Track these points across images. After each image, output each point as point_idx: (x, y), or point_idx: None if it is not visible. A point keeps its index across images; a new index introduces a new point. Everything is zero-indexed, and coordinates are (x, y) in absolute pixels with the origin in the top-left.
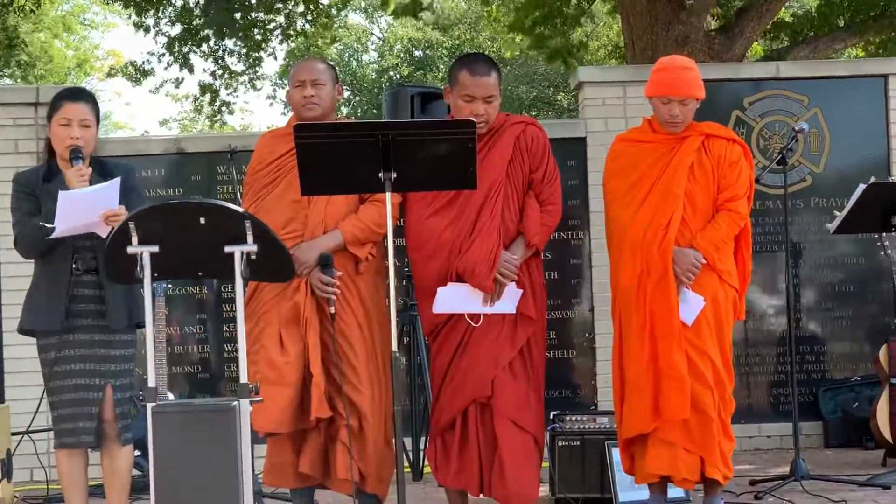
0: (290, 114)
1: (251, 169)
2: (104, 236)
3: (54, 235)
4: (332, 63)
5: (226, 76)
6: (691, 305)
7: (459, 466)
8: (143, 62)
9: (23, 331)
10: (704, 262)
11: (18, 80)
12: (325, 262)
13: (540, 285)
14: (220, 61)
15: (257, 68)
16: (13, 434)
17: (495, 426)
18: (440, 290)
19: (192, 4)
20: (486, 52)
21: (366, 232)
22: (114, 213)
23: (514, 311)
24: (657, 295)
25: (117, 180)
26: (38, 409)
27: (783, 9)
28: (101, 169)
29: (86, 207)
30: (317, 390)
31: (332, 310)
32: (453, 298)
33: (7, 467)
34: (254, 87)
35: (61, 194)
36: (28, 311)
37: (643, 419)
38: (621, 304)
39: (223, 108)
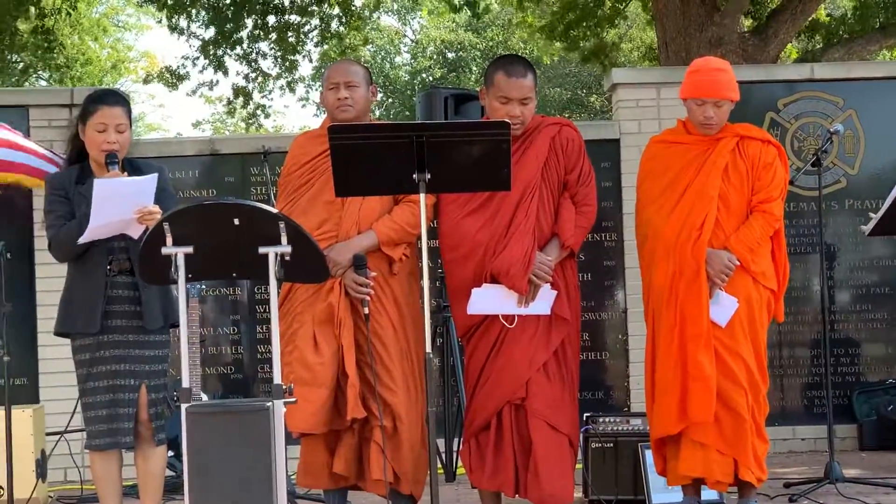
0: (324, 115)
1: (285, 170)
2: (136, 237)
3: (85, 237)
4: (365, 65)
5: (259, 79)
6: (725, 307)
7: (494, 468)
8: (178, 66)
9: (59, 333)
10: (738, 263)
11: (55, 83)
12: (359, 263)
13: (574, 287)
14: (253, 64)
15: (294, 72)
16: (48, 434)
17: (530, 427)
18: (474, 291)
19: (224, 8)
20: (520, 54)
21: (399, 233)
22: (148, 210)
23: (549, 313)
24: (688, 296)
25: (154, 175)
26: (74, 409)
27: (819, 9)
28: (133, 171)
29: (121, 198)
30: (352, 391)
31: (366, 310)
32: (488, 299)
33: (42, 468)
34: (291, 89)
35: (97, 181)
36: (65, 313)
37: (670, 420)
38: (654, 305)
39: (258, 112)
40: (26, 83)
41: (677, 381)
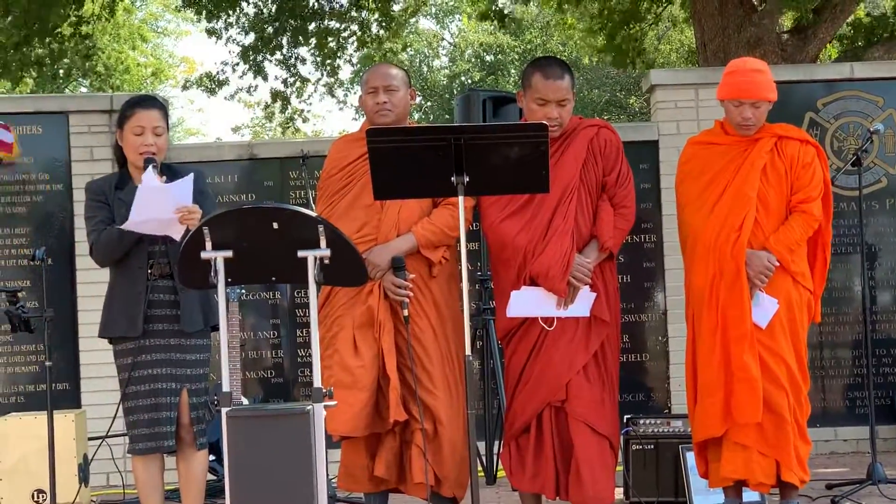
0: (362, 118)
1: (324, 174)
2: (178, 238)
3: (126, 226)
4: (404, 68)
5: (298, 83)
6: (765, 308)
7: (535, 471)
8: (218, 72)
9: (102, 336)
10: (778, 264)
11: (94, 90)
12: (397, 265)
13: (614, 289)
14: (292, 69)
15: (335, 76)
16: (90, 439)
17: (570, 429)
18: (514, 293)
19: (264, 13)
20: (559, 56)
21: (438, 235)
22: (188, 209)
23: (588, 315)
24: (730, 297)
25: (190, 176)
26: (115, 413)
27: (859, 9)
28: (171, 176)
29: (161, 201)
30: (394, 394)
31: (406, 313)
32: (527, 302)
33: (84, 472)
34: (332, 94)
35: (141, 186)
36: (107, 318)
37: (714, 422)
38: (694, 307)
39: (296, 116)
40: (66, 89)
41: (720, 383)
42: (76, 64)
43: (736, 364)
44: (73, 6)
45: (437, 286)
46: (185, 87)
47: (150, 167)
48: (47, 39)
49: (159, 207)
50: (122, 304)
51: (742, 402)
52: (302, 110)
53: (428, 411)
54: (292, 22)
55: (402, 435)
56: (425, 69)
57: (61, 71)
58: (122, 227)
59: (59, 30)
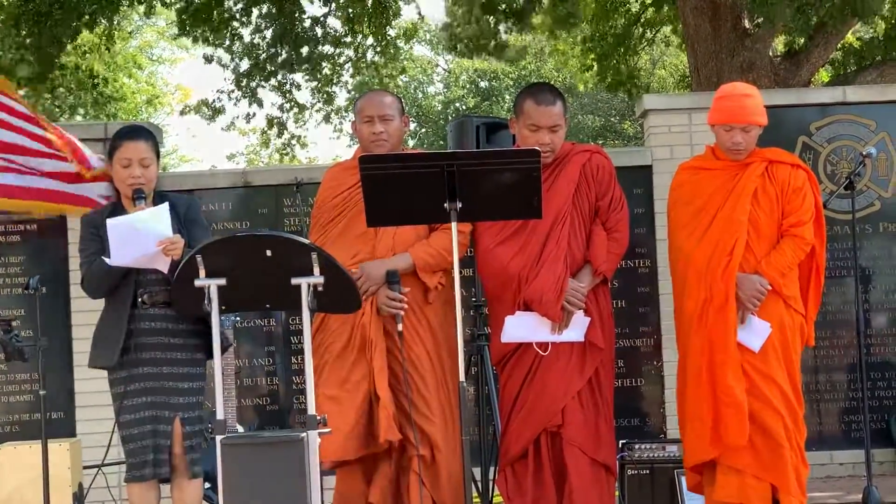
0: (355, 145)
1: (318, 201)
2: (165, 271)
3: (111, 263)
4: (397, 94)
5: (294, 109)
6: (757, 332)
7: (535, 497)
8: (214, 100)
9: (91, 367)
10: (770, 287)
11: (92, 118)
12: (392, 279)
13: (608, 314)
14: (287, 95)
15: (331, 104)
16: (85, 468)
17: (565, 455)
18: (508, 319)
19: (257, 40)
20: (553, 82)
21: (437, 258)
22: (170, 241)
23: (583, 340)
24: (717, 321)
25: (165, 205)
26: (110, 442)
27: (850, 34)
28: (164, 202)
29: (136, 234)
30: (384, 412)
31: (400, 327)
32: (521, 327)
33: (79, 501)
34: (327, 120)
35: (109, 222)
36: (94, 347)
37: (703, 446)
38: (684, 331)
39: (292, 142)
40: (62, 118)
41: (709, 406)
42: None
43: (721, 388)
44: (71, 37)
45: (433, 312)
46: (182, 113)
47: (140, 201)
48: (52, 74)
49: (138, 241)
50: (106, 334)
51: (730, 425)
52: (299, 136)
53: (425, 437)
54: (287, 48)
55: (398, 462)
56: (420, 95)
57: (68, 99)
58: (108, 263)
59: (63, 63)
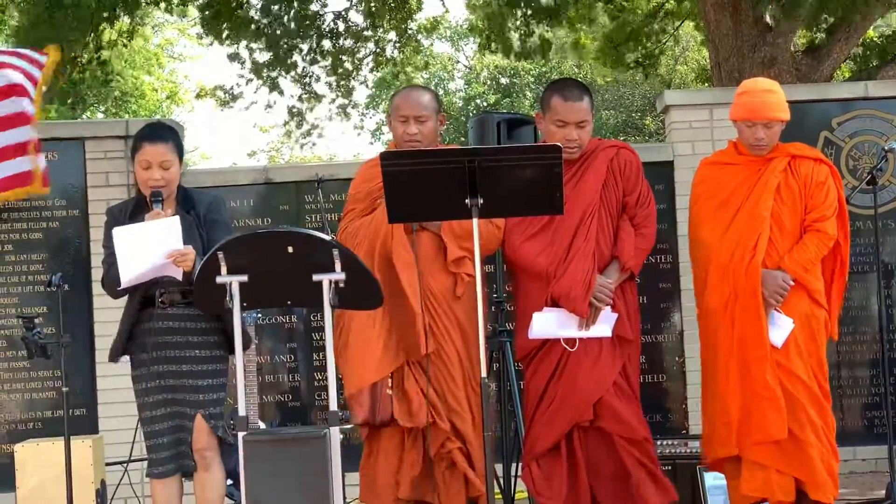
0: (377, 142)
1: (352, 192)
2: (179, 278)
3: (124, 284)
4: (435, 91)
5: (313, 100)
6: (780, 327)
7: (570, 493)
8: (232, 86)
9: (110, 360)
10: (793, 283)
11: (111, 115)
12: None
13: (635, 309)
14: (307, 87)
15: (349, 97)
16: (107, 464)
17: (616, 450)
18: (535, 315)
19: (279, 31)
20: (575, 78)
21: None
22: (180, 253)
23: (610, 335)
24: (746, 318)
25: (176, 218)
26: (134, 439)
27: (871, 29)
28: (186, 200)
29: (145, 244)
30: (419, 321)
31: None
32: (549, 323)
33: (102, 498)
34: (346, 115)
35: (115, 231)
36: (114, 341)
37: (728, 441)
38: (709, 328)
39: (312, 131)
40: (82, 116)
41: (736, 402)
42: (95, 85)
43: (760, 384)
44: (92, 32)
45: (462, 308)
46: (198, 96)
47: (157, 204)
48: (67, 69)
49: (145, 252)
50: (119, 330)
51: (768, 419)
52: (317, 125)
53: (457, 432)
54: (308, 41)
55: (426, 455)
56: (441, 92)
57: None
58: (120, 285)
59: (78, 58)
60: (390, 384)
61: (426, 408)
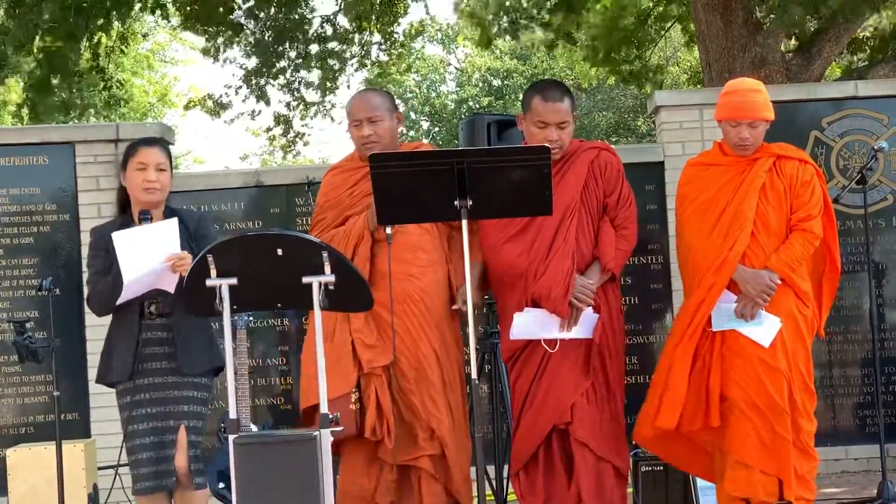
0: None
1: (319, 207)
2: (171, 291)
3: (123, 297)
4: (386, 90)
5: (300, 107)
6: (767, 327)
7: (548, 496)
8: (221, 95)
9: (99, 383)
10: (779, 282)
11: (103, 118)
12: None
13: (617, 310)
14: (295, 93)
15: (332, 95)
16: (99, 469)
17: (575, 456)
18: (516, 316)
19: (267, 38)
20: (565, 80)
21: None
22: (178, 256)
23: (591, 337)
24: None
25: (174, 220)
26: (123, 443)
27: (862, 28)
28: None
29: (145, 248)
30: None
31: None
32: (529, 324)
33: (94, 501)
34: (329, 116)
35: (115, 235)
36: (103, 364)
37: (645, 421)
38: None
39: (296, 139)
40: (73, 120)
41: (684, 386)
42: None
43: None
44: (90, 41)
45: (437, 308)
46: (187, 107)
47: (145, 221)
48: (67, 81)
49: (145, 254)
50: (115, 348)
51: (663, 410)
52: (302, 134)
53: (434, 437)
54: (296, 45)
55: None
56: (433, 95)
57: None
58: (118, 301)
59: (78, 68)
60: (353, 399)
61: (392, 419)
